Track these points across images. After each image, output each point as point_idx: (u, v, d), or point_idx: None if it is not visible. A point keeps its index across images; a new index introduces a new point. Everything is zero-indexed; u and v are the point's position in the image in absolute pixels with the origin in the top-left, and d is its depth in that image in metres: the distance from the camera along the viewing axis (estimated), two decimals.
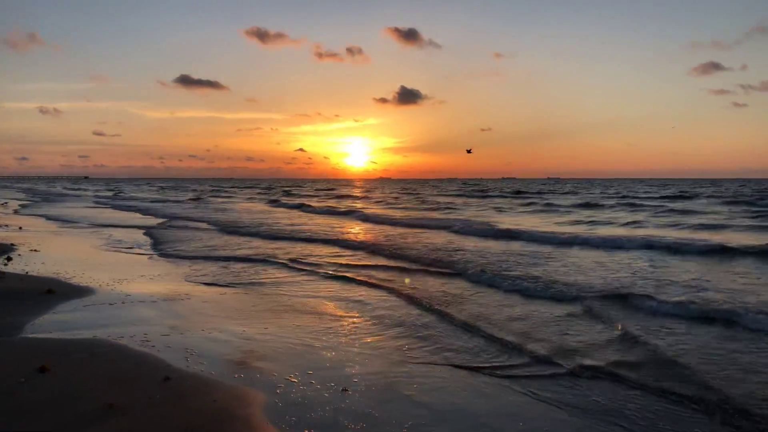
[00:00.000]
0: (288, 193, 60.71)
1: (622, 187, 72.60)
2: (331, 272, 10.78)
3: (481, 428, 4.20)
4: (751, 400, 4.64)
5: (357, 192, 66.14)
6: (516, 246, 14.92)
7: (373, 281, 9.92)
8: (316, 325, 6.99)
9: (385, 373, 5.32)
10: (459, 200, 45.28)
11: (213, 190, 73.32)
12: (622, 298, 8.18)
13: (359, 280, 10.01)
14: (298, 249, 14.41)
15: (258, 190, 73.21)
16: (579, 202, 37.72)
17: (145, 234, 18.05)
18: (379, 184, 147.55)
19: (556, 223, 23.49)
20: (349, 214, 27.80)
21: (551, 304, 8.17)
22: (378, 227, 21.61)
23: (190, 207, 35.47)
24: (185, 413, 4.19)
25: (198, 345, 5.97)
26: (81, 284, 9.11)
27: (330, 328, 6.88)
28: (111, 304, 7.73)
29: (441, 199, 46.01)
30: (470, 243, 15.65)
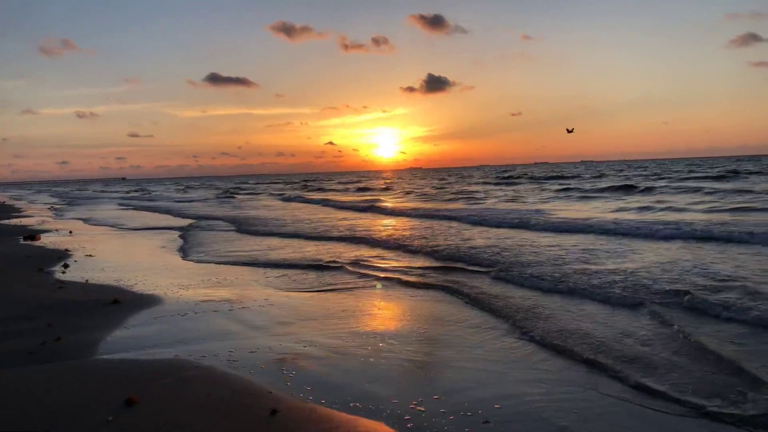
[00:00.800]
0: (312, 188, 59.81)
1: (661, 168, 69.40)
2: (399, 277, 9.84)
3: None
4: None
5: (385, 184, 65.32)
6: (587, 240, 13.83)
7: (445, 284, 9.06)
8: (412, 336, 6.17)
9: (523, 395, 4.46)
10: (495, 188, 43.95)
11: (249, 187, 73.65)
12: None
13: (430, 284, 9.13)
14: (345, 250, 13.65)
15: (289, 185, 73.17)
16: (636, 186, 35.88)
17: (184, 235, 17.61)
18: (409, 174, 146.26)
19: (617, 210, 22.16)
20: (382, 210, 26.78)
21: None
22: (426, 222, 20.69)
23: (228, 208, 35.34)
24: None
25: (292, 364, 5.22)
26: (145, 292, 8.53)
27: (431, 339, 6.05)
28: (183, 315, 7.08)
29: (474, 188, 44.73)
30: (531, 237, 14.64)
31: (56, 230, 19.53)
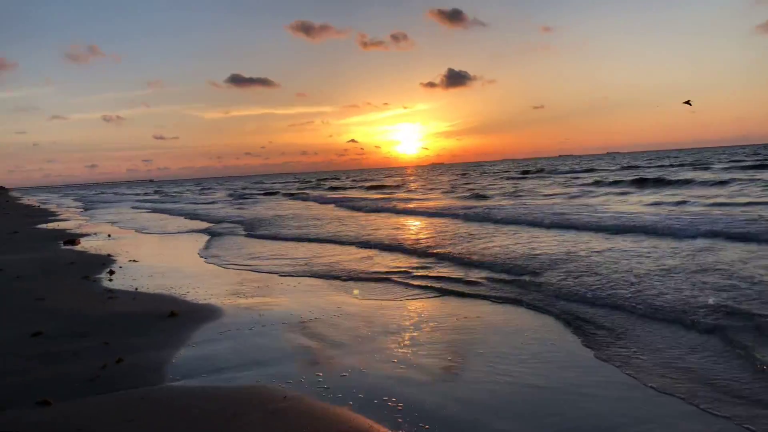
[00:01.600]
0: (343, 188, 58.33)
1: (694, 159, 66.36)
2: (463, 290, 9.04)
3: None
4: None
5: (413, 182, 64.32)
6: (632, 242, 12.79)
7: (519, 297, 8.21)
8: (513, 356, 5.34)
9: (660, 421, 3.62)
10: (527, 182, 42.65)
11: (278, 187, 73.43)
12: None
13: (506, 298, 8.30)
14: (397, 257, 12.86)
15: (307, 183, 72.67)
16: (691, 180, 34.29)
17: (215, 239, 17.05)
18: (432, 170, 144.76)
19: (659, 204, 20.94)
20: (406, 212, 25.83)
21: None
22: (469, 224, 19.79)
23: (261, 208, 34.95)
24: None
25: (394, 391, 4.45)
26: (200, 302, 7.88)
27: (538, 359, 5.22)
28: (250, 329, 6.38)
29: (502, 182, 43.50)
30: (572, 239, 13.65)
31: (95, 234, 19.22)
